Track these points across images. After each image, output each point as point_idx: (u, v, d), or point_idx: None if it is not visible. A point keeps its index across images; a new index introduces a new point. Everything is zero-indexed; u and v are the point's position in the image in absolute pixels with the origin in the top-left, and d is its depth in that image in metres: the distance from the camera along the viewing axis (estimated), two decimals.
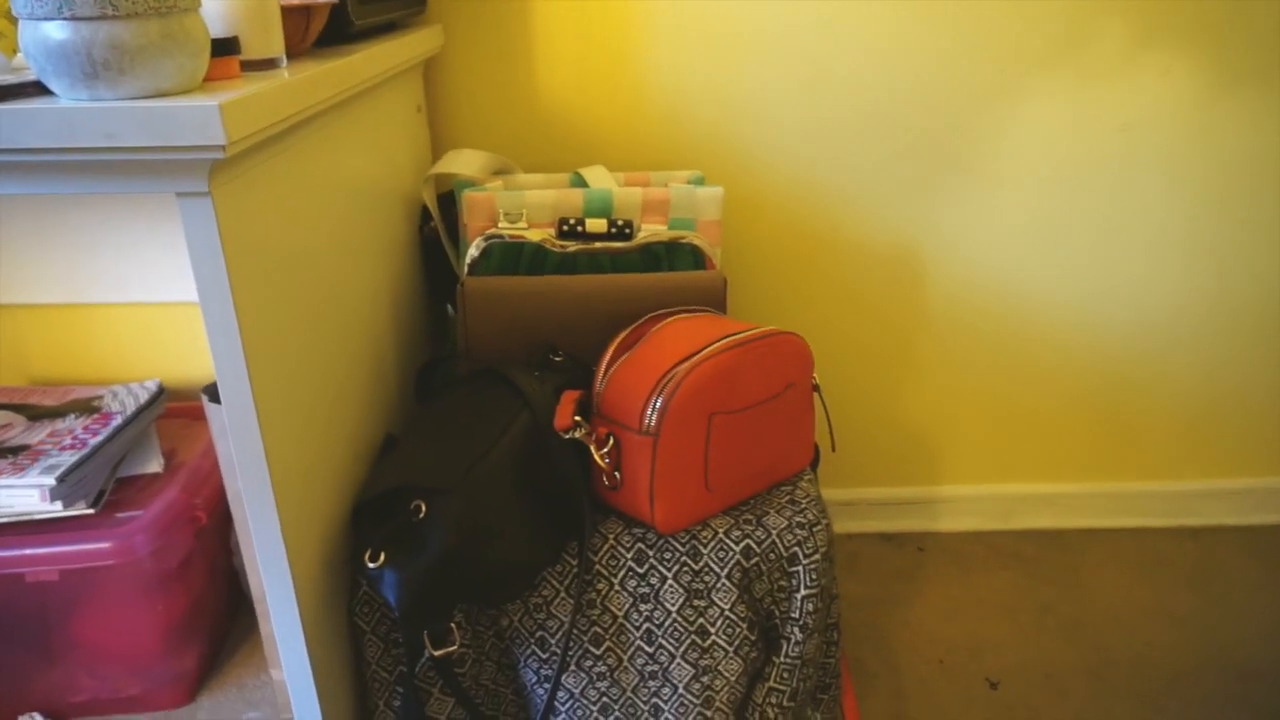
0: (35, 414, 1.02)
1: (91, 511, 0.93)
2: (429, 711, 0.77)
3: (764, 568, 0.78)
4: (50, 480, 0.89)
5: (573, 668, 0.78)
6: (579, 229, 0.95)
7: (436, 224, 1.04)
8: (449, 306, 1.19)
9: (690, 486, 0.77)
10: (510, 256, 0.95)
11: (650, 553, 0.78)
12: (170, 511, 0.95)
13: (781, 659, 0.78)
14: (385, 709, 0.78)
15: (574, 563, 0.78)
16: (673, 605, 0.78)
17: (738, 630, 0.77)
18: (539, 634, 0.78)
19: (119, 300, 1.11)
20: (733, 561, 0.77)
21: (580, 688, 0.78)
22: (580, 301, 0.92)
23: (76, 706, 0.98)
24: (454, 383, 0.89)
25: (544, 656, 0.78)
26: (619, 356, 0.80)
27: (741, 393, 0.78)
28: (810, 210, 1.24)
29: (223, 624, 1.11)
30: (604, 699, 0.78)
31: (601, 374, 0.80)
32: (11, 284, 1.09)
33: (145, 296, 1.11)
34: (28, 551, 0.88)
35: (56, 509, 0.91)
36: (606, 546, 0.78)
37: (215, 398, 0.88)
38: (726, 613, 0.77)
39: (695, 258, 0.97)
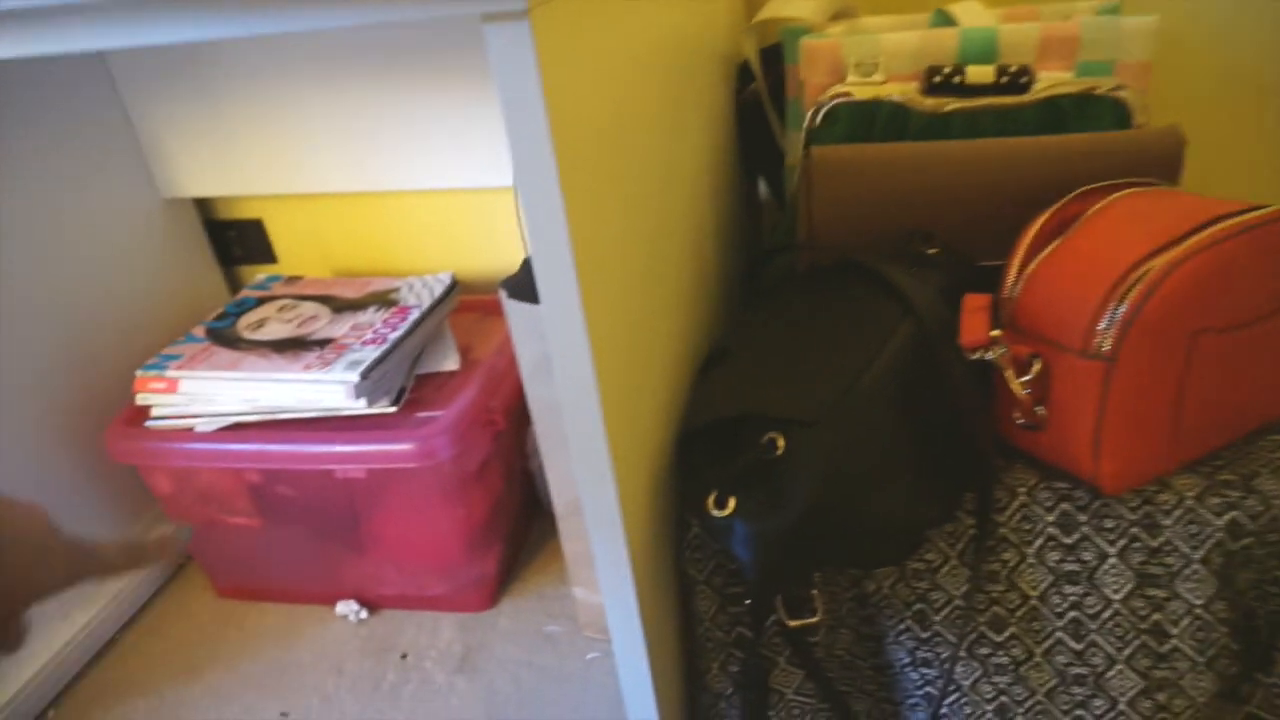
0: (338, 306, 0.98)
1: (393, 410, 0.88)
2: (773, 682, 0.64)
3: (1257, 552, 0.55)
4: (354, 376, 0.84)
5: (963, 654, 0.60)
6: (955, 80, 0.72)
7: (759, 85, 0.85)
8: (759, 182, 1.00)
9: (1155, 432, 0.54)
10: (862, 120, 0.74)
11: (1083, 518, 0.57)
12: (469, 414, 0.88)
13: (1276, 680, 0.56)
14: (719, 673, 0.65)
15: (970, 523, 0.59)
16: (1115, 591, 0.57)
17: (1213, 635, 0.55)
18: (918, 606, 0.61)
19: (409, 187, 1.04)
20: (1212, 540, 0.54)
21: (971, 680, 0.61)
22: (962, 175, 0.69)
23: (387, 599, 0.97)
24: (795, 279, 0.71)
25: (923, 635, 0.61)
26: (1042, 248, 0.58)
27: (1240, 302, 0.53)
28: (1265, 48, 0.90)
29: (520, 529, 1.06)
30: (1002, 698, 0.60)
31: (1016, 272, 0.58)
32: (312, 173, 1.04)
33: (434, 183, 1.03)
34: (336, 448, 0.84)
35: (360, 406, 0.86)
36: (1016, 505, 0.59)
37: (515, 293, 0.77)
38: (1198, 610, 0.55)
39: (1116, 114, 0.71)
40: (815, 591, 0.58)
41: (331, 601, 0.98)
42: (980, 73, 0.71)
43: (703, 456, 0.60)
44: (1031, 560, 0.59)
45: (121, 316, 1.01)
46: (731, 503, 0.53)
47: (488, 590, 0.97)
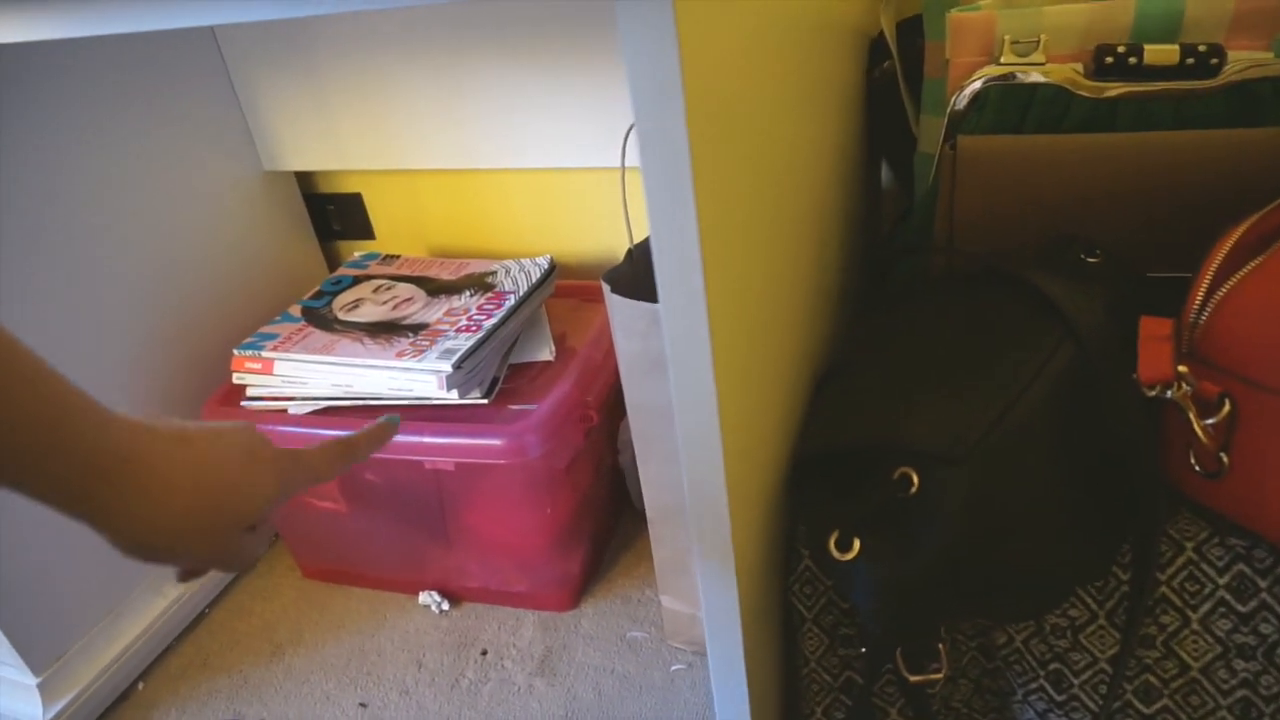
0: (433, 288, 0.95)
1: (485, 402, 0.85)
2: None
3: None
4: (447, 367, 0.80)
5: None
6: (1131, 61, 0.63)
7: (894, 63, 0.77)
8: (882, 168, 0.93)
9: None
10: (1014, 105, 0.65)
11: (1263, 583, 0.49)
12: (562, 409, 0.84)
13: None
14: (823, 717, 0.59)
15: (1124, 578, 0.52)
16: None
17: None
18: (1054, 666, 0.54)
19: (509, 166, 1.00)
20: None
21: None
22: (1133, 173, 0.61)
23: (468, 592, 0.95)
24: (929, 285, 0.64)
25: (1058, 698, 0.54)
26: (1238, 266, 0.49)
27: None
28: None
29: (607, 527, 1.02)
30: None
31: (1204, 294, 0.49)
32: (412, 148, 1.01)
33: (534, 162, 0.99)
34: (426, 440, 0.81)
35: (452, 397, 0.83)
36: (1182, 561, 0.51)
37: (619, 288, 0.72)
38: None
39: None
40: (942, 645, 0.51)
41: (414, 590, 0.96)
42: (1161, 53, 0.61)
43: (823, 486, 0.54)
44: (1196, 627, 0.51)
45: (222, 288, 1.00)
46: (856, 545, 0.47)
47: (571, 590, 0.94)
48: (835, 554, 0.48)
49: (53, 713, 0.82)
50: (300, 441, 0.85)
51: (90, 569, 0.86)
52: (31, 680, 0.82)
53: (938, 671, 0.52)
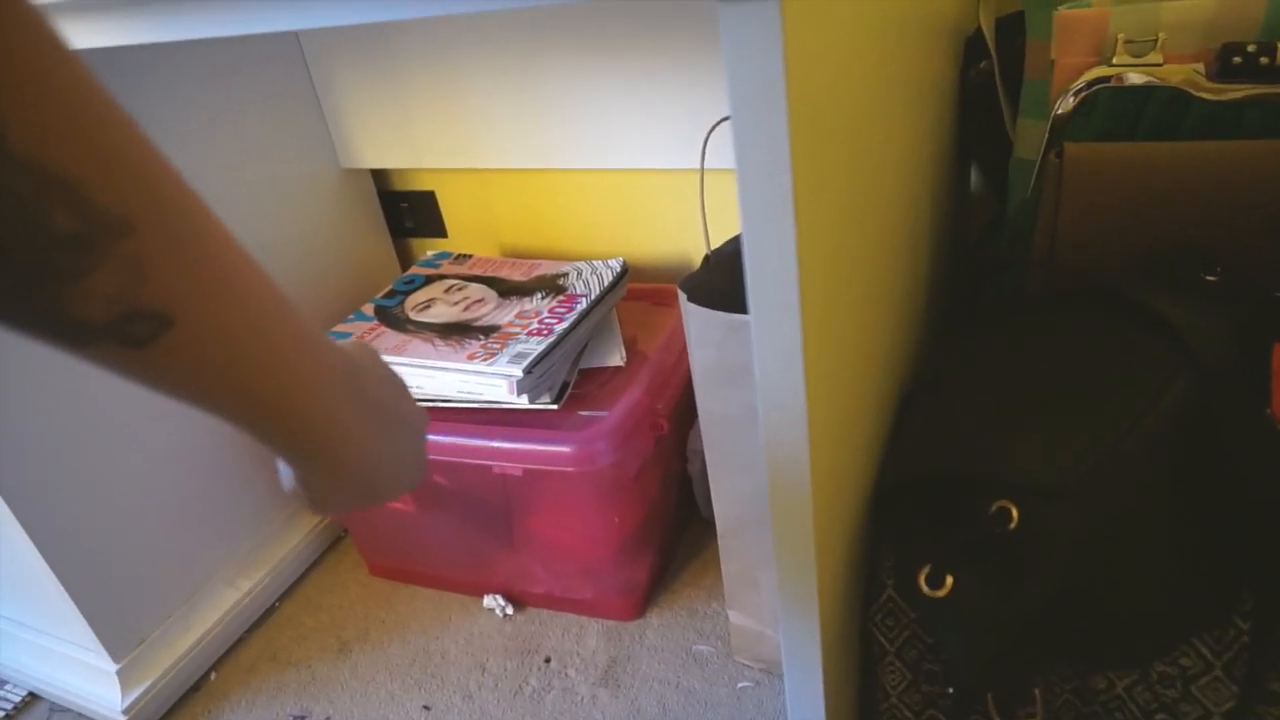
0: (505, 289, 0.94)
1: (555, 407, 0.84)
2: None
3: None
4: (518, 371, 0.79)
5: None
6: (1263, 61, 0.58)
7: (991, 62, 0.73)
8: (972, 167, 0.88)
9: None
10: (1126, 110, 0.61)
11: None
12: (632, 417, 0.82)
13: None
14: None
15: (1244, 627, 0.47)
16: None
17: None
18: (1160, 717, 0.50)
19: (582, 166, 0.99)
20: None
21: None
22: (1257, 183, 0.56)
23: (533, 597, 0.94)
24: (1029, 303, 0.60)
25: None
26: None
27: None
28: None
29: (674, 536, 1.00)
30: None
31: None
32: (486, 147, 1.01)
33: (608, 162, 0.97)
34: (494, 444, 0.80)
35: (522, 401, 0.82)
36: None
37: (695, 296, 0.70)
38: None
39: None
40: (1038, 691, 0.48)
41: (479, 593, 0.95)
42: None
43: (912, 514, 0.51)
44: None
45: (296, 283, 1.01)
46: (949, 582, 0.44)
47: (636, 599, 0.92)
48: (926, 590, 0.45)
49: (130, 699, 0.84)
50: None
51: (168, 560, 0.88)
52: (111, 667, 0.84)
53: (1031, 717, 0.48)
